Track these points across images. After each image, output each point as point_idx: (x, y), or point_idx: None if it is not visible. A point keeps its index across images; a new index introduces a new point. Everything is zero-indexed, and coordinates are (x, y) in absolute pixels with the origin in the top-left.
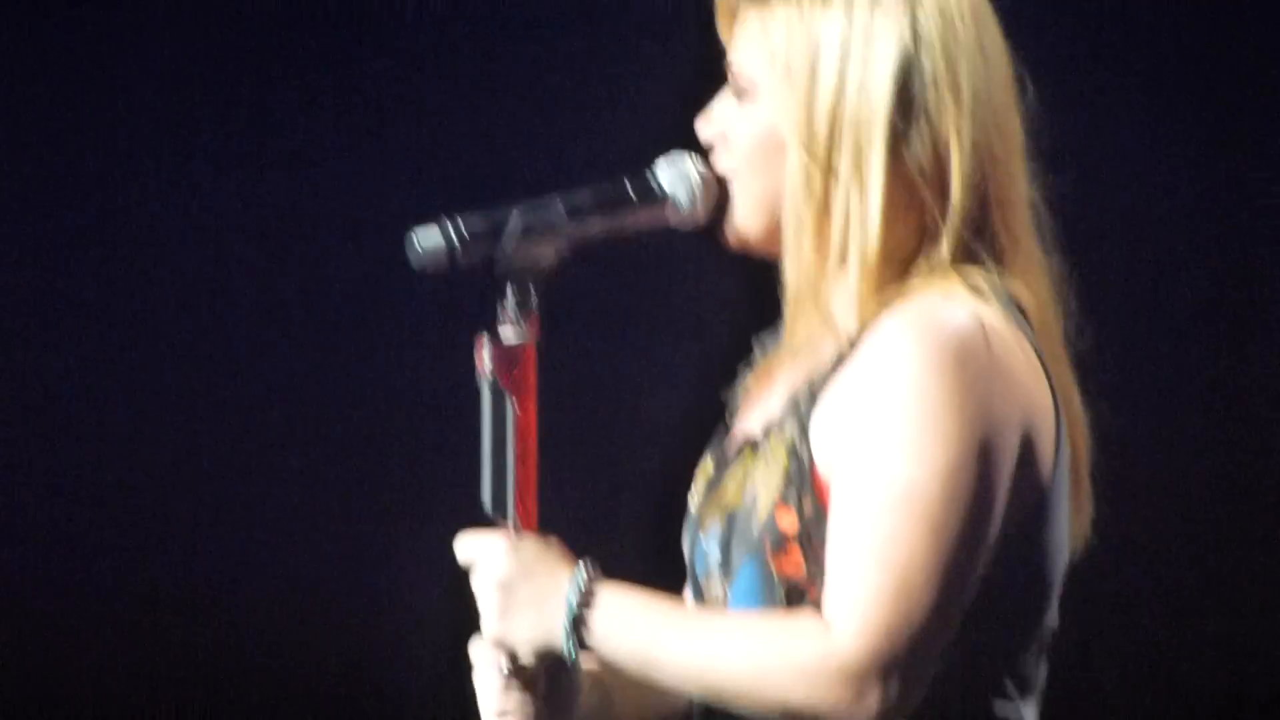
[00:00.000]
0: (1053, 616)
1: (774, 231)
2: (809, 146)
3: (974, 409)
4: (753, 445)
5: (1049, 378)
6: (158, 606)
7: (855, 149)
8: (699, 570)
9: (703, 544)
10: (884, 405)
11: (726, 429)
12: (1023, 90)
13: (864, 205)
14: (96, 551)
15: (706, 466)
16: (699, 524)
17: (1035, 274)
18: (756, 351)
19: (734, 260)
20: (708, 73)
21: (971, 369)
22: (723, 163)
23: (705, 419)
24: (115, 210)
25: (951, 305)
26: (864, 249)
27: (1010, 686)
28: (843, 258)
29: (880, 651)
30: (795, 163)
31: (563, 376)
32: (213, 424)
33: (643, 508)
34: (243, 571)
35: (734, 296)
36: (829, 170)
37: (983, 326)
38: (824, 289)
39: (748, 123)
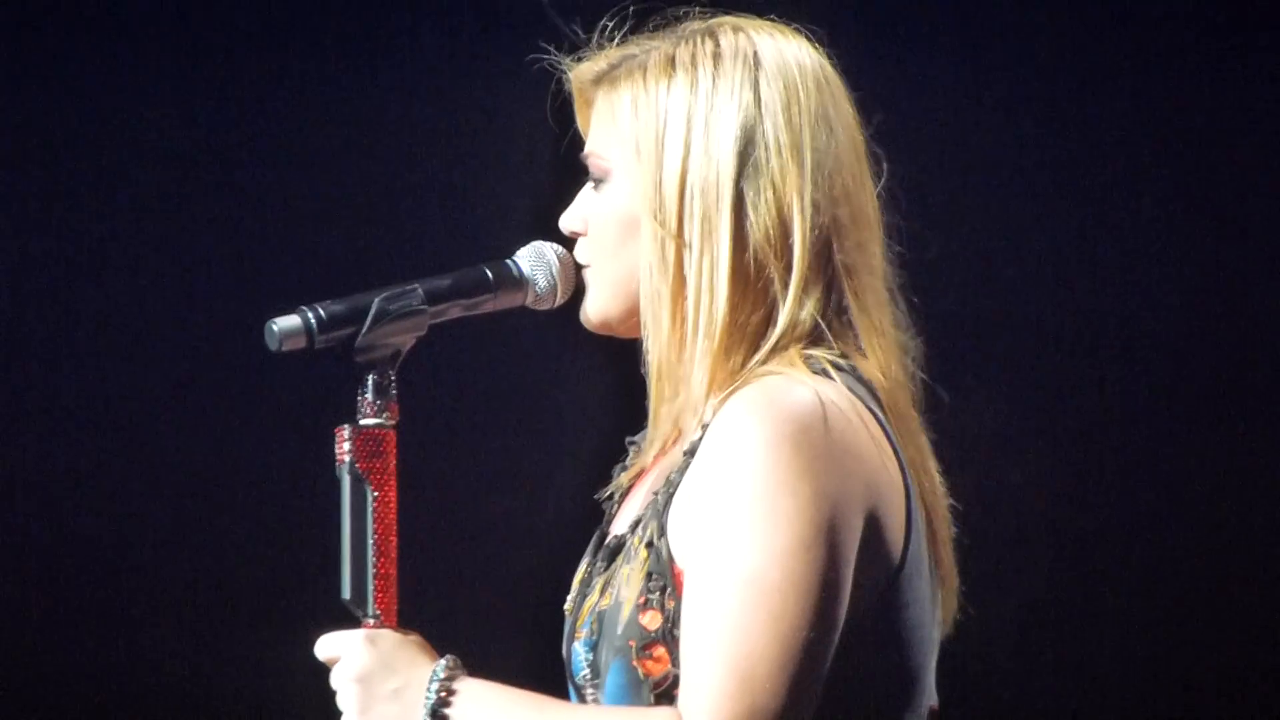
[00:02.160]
0: (927, 697)
1: (633, 313)
2: (660, 217)
3: (811, 489)
4: (621, 546)
5: (898, 455)
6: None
7: (704, 218)
8: (576, 674)
9: (576, 649)
10: (723, 491)
11: (602, 531)
12: (878, 167)
13: (714, 272)
14: None
15: (582, 570)
16: (573, 629)
17: (886, 347)
18: (631, 452)
19: (610, 359)
20: (571, 168)
21: (809, 449)
22: (584, 252)
23: (583, 518)
24: None
25: (791, 385)
26: (712, 317)
27: None
28: (697, 329)
29: None
30: (648, 237)
31: (429, 471)
32: (55, 518)
33: (513, 605)
34: (99, 669)
35: (611, 396)
36: (680, 240)
37: (822, 405)
38: (684, 367)
39: (604, 207)
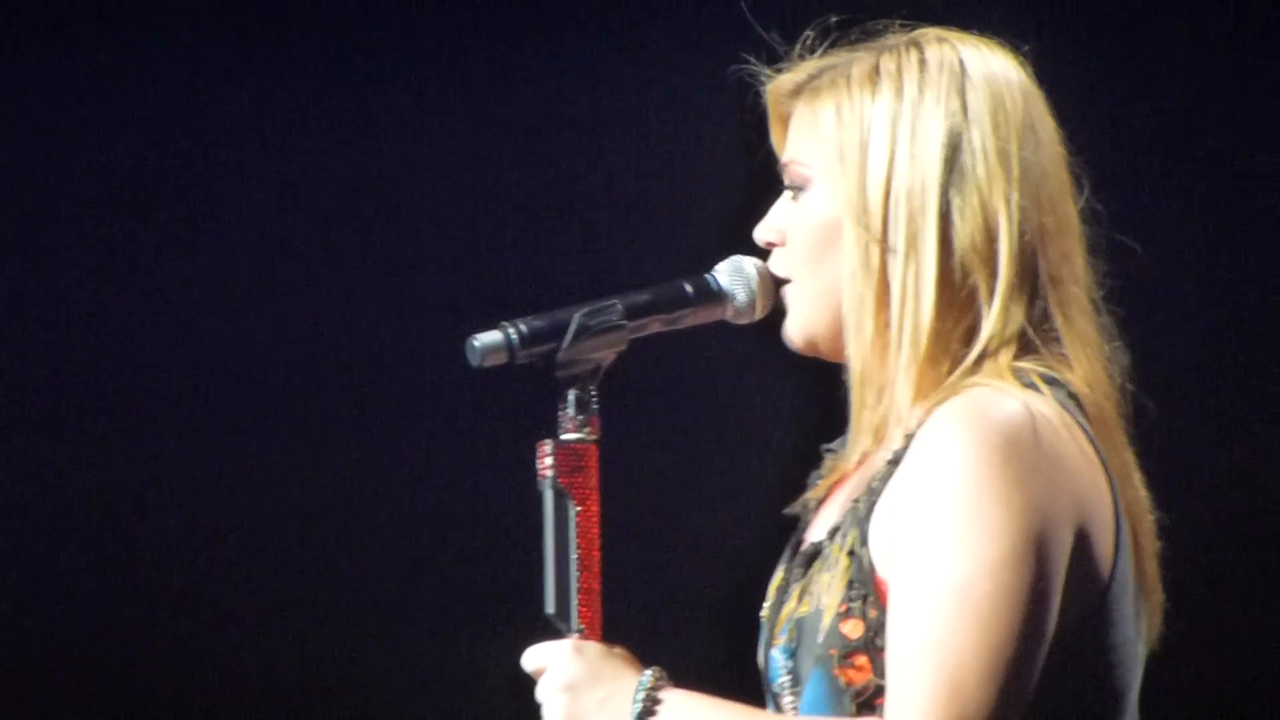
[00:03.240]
0: (1131, 716)
1: (836, 326)
2: (864, 223)
3: (1022, 502)
4: (819, 553)
5: (1106, 469)
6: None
7: (910, 222)
8: (773, 682)
9: (774, 656)
10: (932, 501)
11: (798, 539)
12: (1079, 184)
13: (919, 279)
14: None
15: (778, 577)
16: (770, 635)
17: (1091, 358)
18: (826, 460)
19: (803, 369)
20: (766, 181)
21: (1019, 461)
22: (782, 264)
23: (778, 529)
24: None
25: (1000, 397)
26: (917, 324)
27: None
28: (901, 336)
29: None
30: (852, 242)
31: (628, 482)
32: (273, 534)
33: (709, 616)
34: (306, 681)
35: (805, 405)
36: (884, 245)
37: (1032, 418)
38: (887, 374)
39: (804, 216)
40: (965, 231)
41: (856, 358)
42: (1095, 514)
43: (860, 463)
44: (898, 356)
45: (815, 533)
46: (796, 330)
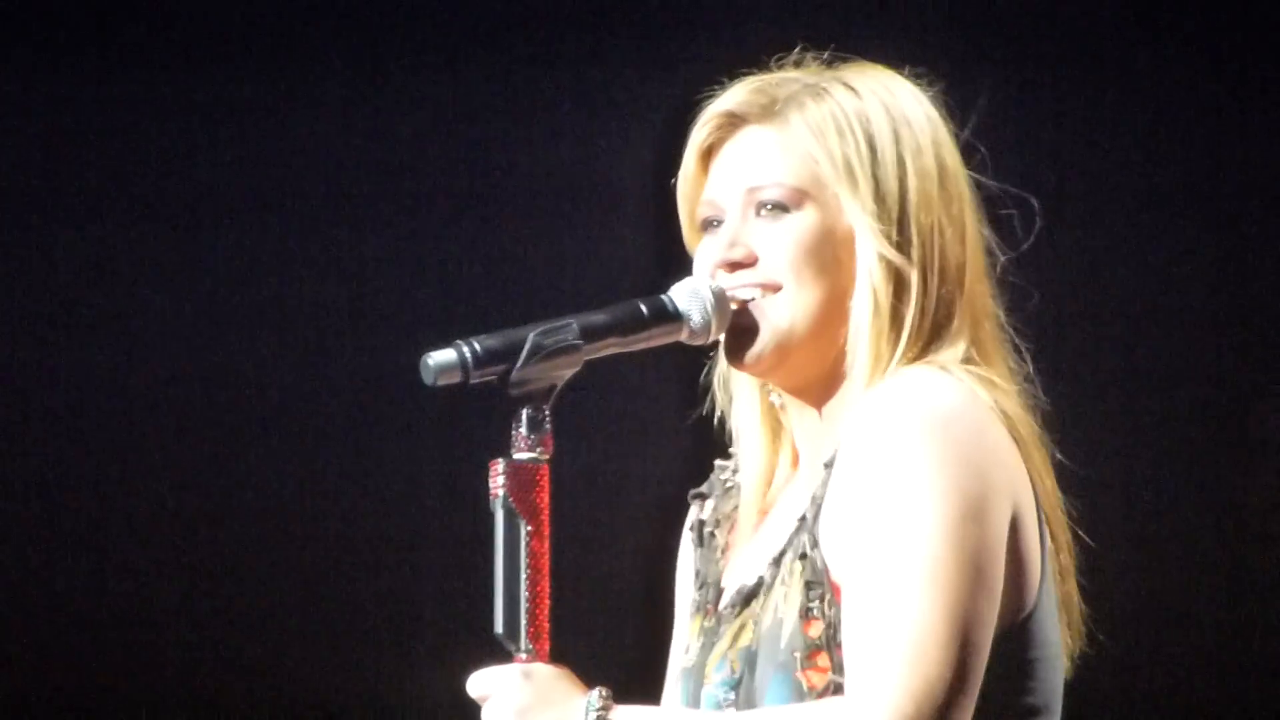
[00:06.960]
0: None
1: (818, 333)
2: (885, 233)
3: (964, 468)
4: (758, 585)
5: (1029, 471)
6: None
7: (921, 230)
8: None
9: (709, 694)
10: (877, 476)
11: (716, 590)
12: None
13: (932, 284)
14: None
15: (695, 627)
16: (700, 675)
17: (1006, 375)
18: (694, 507)
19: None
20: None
21: (960, 431)
22: (760, 281)
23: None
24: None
25: (938, 377)
26: (919, 328)
27: None
28: (897, 344)
29: (907, 717)
30: (871, 251)
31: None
32: (218, 546)
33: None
34: (249, 705)
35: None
36: (903, 253)
37: (972, 394)
38: (871, 381)
39: (796, 232)
40: (951, 243)
41: (862, 361)
42: (1024, 501)
43: (765, 510)
44: (890, 360)
45: (745, 573)
46: (774, 340)
